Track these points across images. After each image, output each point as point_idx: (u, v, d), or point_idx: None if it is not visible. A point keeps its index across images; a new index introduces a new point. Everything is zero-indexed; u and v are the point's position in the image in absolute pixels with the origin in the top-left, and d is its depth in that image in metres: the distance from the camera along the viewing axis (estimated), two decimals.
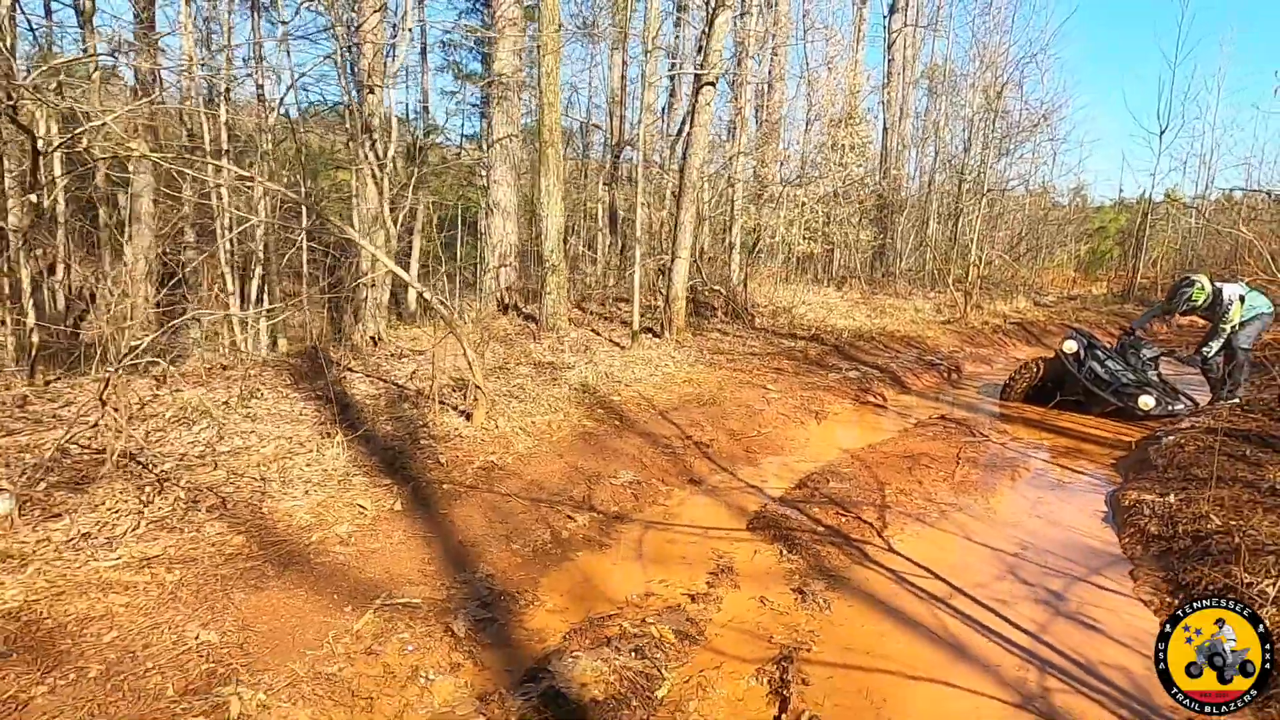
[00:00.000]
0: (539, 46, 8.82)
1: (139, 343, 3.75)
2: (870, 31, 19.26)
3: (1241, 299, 6.77)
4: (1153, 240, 20.97)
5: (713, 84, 8.60)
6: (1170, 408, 7.01)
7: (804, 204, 14.85)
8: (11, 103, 4.50)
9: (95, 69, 8.03)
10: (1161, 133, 17.90)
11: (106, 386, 3.67)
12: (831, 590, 3.47)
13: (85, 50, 7.90)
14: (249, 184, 7.81)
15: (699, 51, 11.17)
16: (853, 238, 16.19)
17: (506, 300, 10.23)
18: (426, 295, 5.04)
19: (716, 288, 10.87)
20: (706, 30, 8.79)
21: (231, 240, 8.34)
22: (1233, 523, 3.95)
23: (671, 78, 14.45)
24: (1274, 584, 3.17)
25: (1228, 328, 6.79)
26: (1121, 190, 31.84)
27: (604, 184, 13.60)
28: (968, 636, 3.11)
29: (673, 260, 8.90)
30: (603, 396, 6.28)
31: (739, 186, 13.05)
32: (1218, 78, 35.30)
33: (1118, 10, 46.90)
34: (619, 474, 4.73)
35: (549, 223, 8.66)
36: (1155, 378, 7.29)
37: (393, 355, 7.04)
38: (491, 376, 6.55)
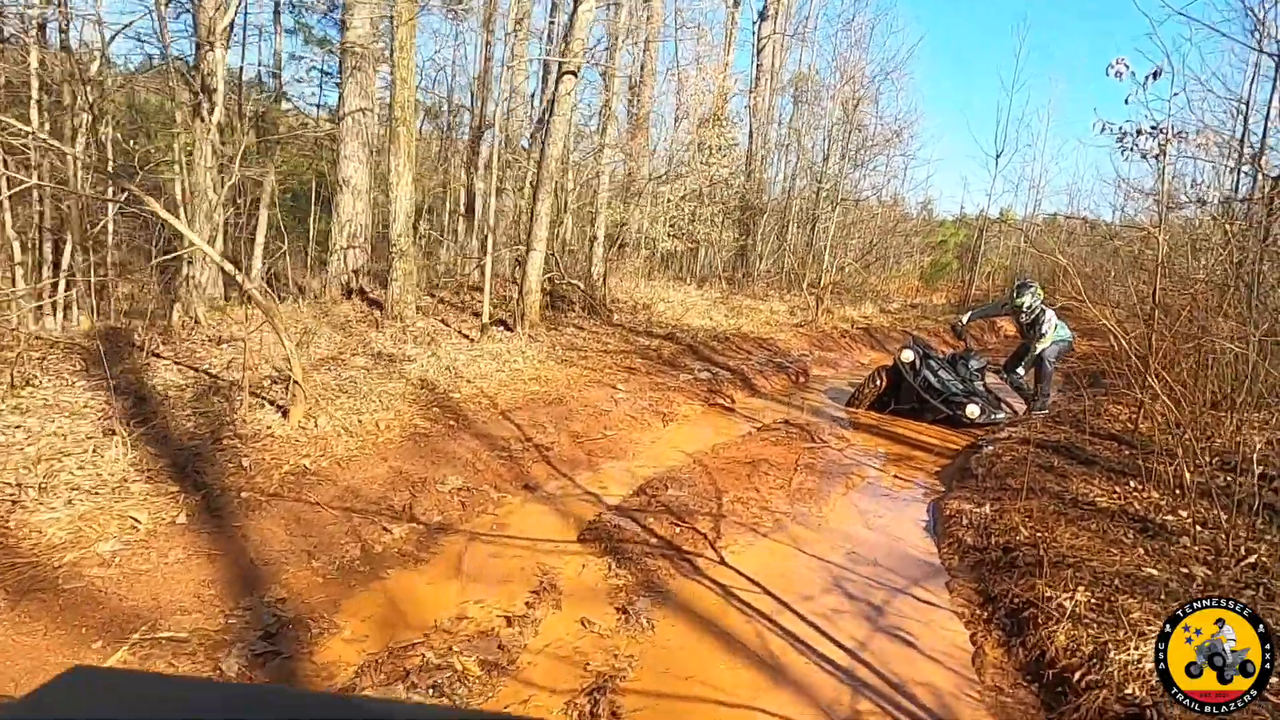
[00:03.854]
0: (394, 17, 8.33)
1: None
2: (741, 36, 19.56)
3: (1055, 326, 7.63)
4: (987, 256, 22.56)
5: (574, 73, 8.38)
6: (993, 416, 7.50)
7: (670, 201, 14.93)
8: None
9: None
10: (998, 156, 19.19)
11: None
12: (657, 607, 3.35)
13: None
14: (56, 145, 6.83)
15: (564, 38, 10.92)
16: (716, 237, 16.43)
17: (353, 284, 9.62)
18: (238, 278, 4.55)
19: (575, 282, 10.65)
20: (569, 20, 8.57)
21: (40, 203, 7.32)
22: (1039, 534, 4.16)
23: (544, 64, 14.10)
24: (1070, 598, 3.33)
25: (1040, 346, 7.60)
26: (963, 207, 34.21)
27: (464, 167, 13.09)
28: (789, 657, 3.06)
29: (528, 252, 8.63)
30: (442, 393, 5.95)
31: (605, 179, 12.88)
32: (1048, 108, 38.55)
33: (964, 39, 50.35)
34: (447, 479, 4.44)
35: (398, 205, 8.22)
36: (981, 388, 7.80)
37: (211, 340, 6.40)
38: (322, 368, 6.07)
